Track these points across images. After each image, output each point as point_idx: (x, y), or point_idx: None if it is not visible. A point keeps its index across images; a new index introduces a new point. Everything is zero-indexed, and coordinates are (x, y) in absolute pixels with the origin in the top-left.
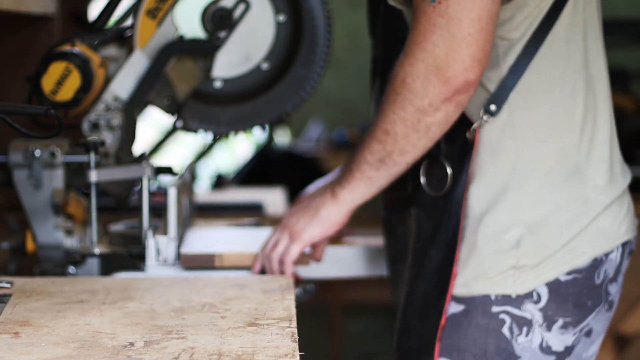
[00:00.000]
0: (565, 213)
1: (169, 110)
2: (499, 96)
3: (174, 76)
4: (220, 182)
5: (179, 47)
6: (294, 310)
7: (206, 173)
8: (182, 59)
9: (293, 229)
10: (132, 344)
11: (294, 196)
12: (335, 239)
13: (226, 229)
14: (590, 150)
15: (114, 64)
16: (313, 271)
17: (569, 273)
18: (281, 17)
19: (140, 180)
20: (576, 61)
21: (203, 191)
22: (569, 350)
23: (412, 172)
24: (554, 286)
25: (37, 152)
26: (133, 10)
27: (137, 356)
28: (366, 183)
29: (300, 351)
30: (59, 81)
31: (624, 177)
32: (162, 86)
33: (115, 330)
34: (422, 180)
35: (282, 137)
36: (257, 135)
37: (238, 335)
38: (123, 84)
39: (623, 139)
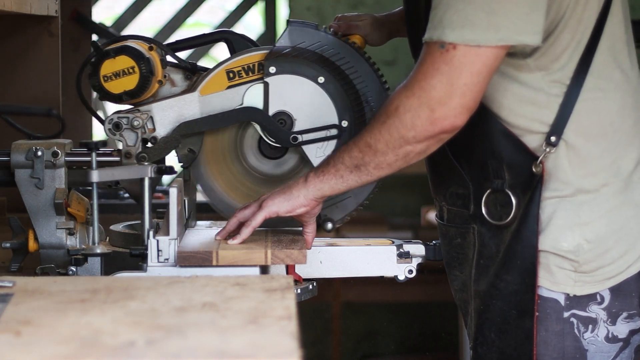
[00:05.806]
0: (619, 219)
1: (183, 159)
2: (558, 127)
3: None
4: None
5: (261, 117)
6: (294, 310)
7: None
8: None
9: (265, 200)
10: (133, 343)
11: None
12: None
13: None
14: (637, 158)
15: (169, 87)
16: (313, 271)
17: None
18: (320, 79)
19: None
20: (617, 79)
21: None
22: (633, 332)
23: (474, 195)
24: (615, 287)
25: (40, 152)
26: (205, 49)
27: (138, 355)
28: (337, 180)
29: (300, 350)
30: (118, 73)
31: None
32: (198, 136)
33: (116, 330)
34: (484, 210)
35: None
36: None
37: (238, 334)
38: (163, 112)
39: None
